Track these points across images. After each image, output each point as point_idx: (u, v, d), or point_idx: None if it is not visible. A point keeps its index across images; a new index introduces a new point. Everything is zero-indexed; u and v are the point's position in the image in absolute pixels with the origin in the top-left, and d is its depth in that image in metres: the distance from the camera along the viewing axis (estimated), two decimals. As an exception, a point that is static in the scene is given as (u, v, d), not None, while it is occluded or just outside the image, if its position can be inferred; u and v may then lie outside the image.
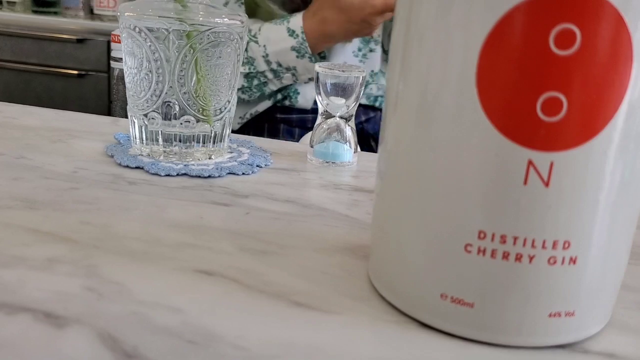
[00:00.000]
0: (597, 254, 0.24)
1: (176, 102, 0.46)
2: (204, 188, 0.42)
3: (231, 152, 0.51)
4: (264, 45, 0.79)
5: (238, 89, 0.80)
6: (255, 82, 0.81)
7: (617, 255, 0.25)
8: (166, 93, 0.46)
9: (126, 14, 0.46)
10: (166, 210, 0.37)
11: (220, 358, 0.22)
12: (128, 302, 0.26)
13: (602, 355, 0.25)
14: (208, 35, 0.46)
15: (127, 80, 0.48)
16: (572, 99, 0.22)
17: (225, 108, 0.49)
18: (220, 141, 0.50)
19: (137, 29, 0.45)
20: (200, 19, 0.46)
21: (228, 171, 0.46)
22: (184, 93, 0.46)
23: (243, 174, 0.46)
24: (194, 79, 0.46)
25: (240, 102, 0.84)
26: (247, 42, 0.79)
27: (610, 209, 0.24)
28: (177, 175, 0.45)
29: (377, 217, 0.29)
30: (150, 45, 0.45)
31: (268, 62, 0.79)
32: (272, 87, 0.82)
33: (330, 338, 0.24)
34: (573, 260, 0.24)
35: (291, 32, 0.77)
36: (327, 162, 0.51)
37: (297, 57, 0.78)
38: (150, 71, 0.46)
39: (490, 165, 0.23)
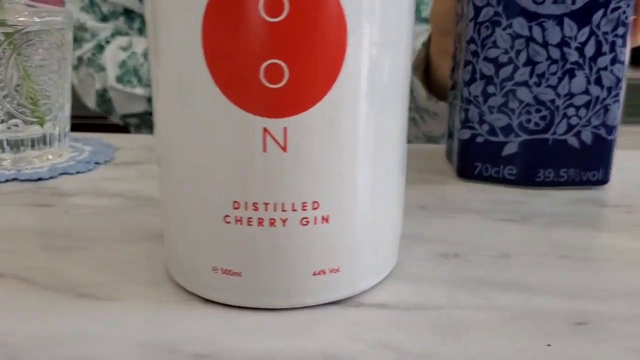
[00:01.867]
0: (350, 209, 0.25)
1: (0, 107, 0.45)
2: (31, 191, 0.41)
3: (73, 152, 0.50)
4: None
5: None
6: None
7: (379, 208, 0.26)
8: (-15, 99, 0.45)
9: None
10: (-22, 218, 0.36)
11: (-25, 358, 0.22)
12: None
13: (375, 307, 0.26)
14: (24, 34, 0.44)
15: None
16: (292, 64, 0.22)
17: (58, 108, 0.48)
18: (58, 142, 0.49)
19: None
20: (17, 18, 0.44)
21: (61, 172, 0.45)
22: (4, 96, 0.45)
23: (77, 172, 0.45)
24: (18, 80, 0.45)
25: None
26: None
27: (355, 166, 0.25)
28: (7, 181, 0.44)
29: (160, 199, 0.29)
30: (-40, 51, 0.44)
31: None
32: None
33: (103, 325, 0.25)
34: (325, 219, 0.25)
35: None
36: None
37: None
38: (-36, 78, 0.44)
39: (230, 136, 0.23)
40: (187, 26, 0.23)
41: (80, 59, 0.85)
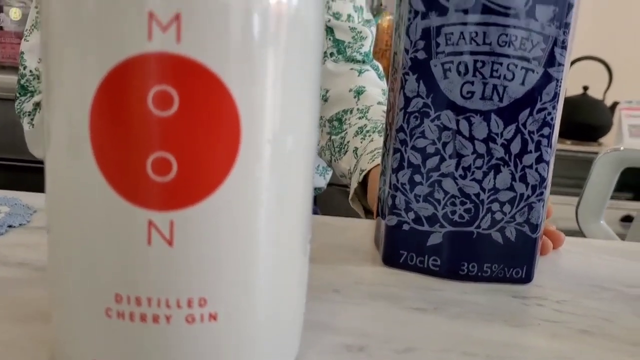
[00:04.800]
0: (241, 306, 0.24)
1: None
2: (-62, 254, 0.40)
3: (-6, 212, 0.49)
4: None
5: None
6: None
7: (274, 302, 0.25)
8: None
9: None
10: None
11: None
12: None
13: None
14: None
15: None
16: (180, 158, 0.22)
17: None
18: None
19: None
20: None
21: (-26, 234, 0.43)
22: None
23: (-10, 236, 0.44)
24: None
25: None
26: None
27: (247, 261, 0.24)
28: None
29: (47, 275, 0.27)
30: None
31: None
32: None
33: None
34: (213, 317, 0.24)
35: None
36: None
37: None
38: None
39: (114, 227, 0.23)
40: (76, 115, 0.22)
41: (37, 104, 0.86)
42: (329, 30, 0.83)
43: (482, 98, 0.38)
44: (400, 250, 0.41)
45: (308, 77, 0.25)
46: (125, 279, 0.23)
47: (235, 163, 0.22)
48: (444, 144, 0.39)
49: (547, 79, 0.37)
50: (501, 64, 0.37)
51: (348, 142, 0.72)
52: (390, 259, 0.42)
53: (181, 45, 0.21)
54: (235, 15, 0.22)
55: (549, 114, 0.38)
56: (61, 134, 0.23)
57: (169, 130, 0.21)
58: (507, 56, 0.37)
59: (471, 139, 0.38)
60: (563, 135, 2.23)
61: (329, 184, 1.06)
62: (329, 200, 1.55)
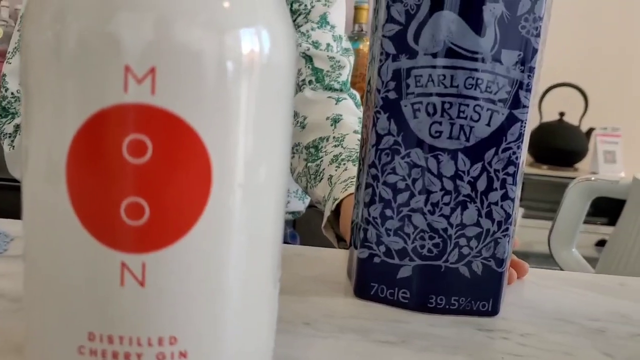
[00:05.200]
0: (210, 345, 0.25)
1: None
2: None
3: (-27, 239, 0.49)
4: None
5: None
6: None
7: (244, 340, 0.26)
8: None
9: None
10: None
11: None
12: None
13: None
14: None
15: None
16: (153, 203, 0.23)
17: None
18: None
19: None
20: None
21: (-48, 261, 0.44)
22: None
23: (-31, 264, 0.44)
24: None
25: None
26: None
27: (217, 301, 0.25)
28: None
29: (23, 305, 0.28)
30: None
31: None
32: None
33: None
34: (183, 355, 0.24)
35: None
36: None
37: None
38: None
39: (88, 268, 0.23)
40: (53, 158, 0.23)
41: (18, 126, 0.86)
42: (308, 58, 0.84)
43: (449, 137, 0.39)
44: (371, 282, 0.42)
45: (279, 122, 0.26)
46: (99, 318, 0.24)
47: (206, 207, 0.23)
48: (414, 180, 0.40)
49: (512, 120, 0.39)
50: (468, 105, 0.38)
51: (323, 169, 0.73)
52: (362, 291, 0.43)
53: (155, 97, 0.22)
54: (208, 67, 0.23)
55: (514, 153, 0.39)
56: (38, 176, 0.24)
57: (142, 176, 0.22)
58: (474, 98, 0.38)
59: (439, 176, 0.40)
60: (540, 160, 2.27)
61: (308, 206, 1.07)
62: (308, 223, 1.56)
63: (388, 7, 0.39)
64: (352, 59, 0.88)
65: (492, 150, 0.39)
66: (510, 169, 0.39)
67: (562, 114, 2.26)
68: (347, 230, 0.60)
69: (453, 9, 0.37)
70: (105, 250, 0.23)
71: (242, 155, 0.24)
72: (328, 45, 0.85)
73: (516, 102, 0.39)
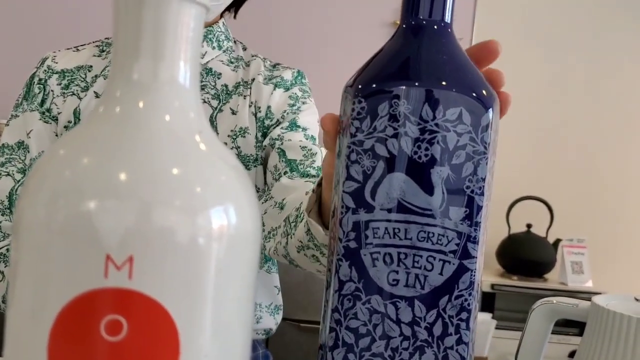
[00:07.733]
0: None
1: None
2: None
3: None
4: None
5: None
6: None
7: None
8: None
9: None
10: None
11: None
12: None
13: None
14: None
15: None
16: (126, 377, 0.25)
17: None
18: None
19: None
20: None
21: None
22: None
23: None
24: None
25: None
26: None
27: None
28: None
29: None
30: None
31: None
32: None
33: None
34: None
35: None
36: None
37: None
38: None
39: None
40: (37, 333, 0.25)
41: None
42: (281, 152, 0.86)
43: (406, 285, 0.42)
44: None
45: (244, 290, 0.29)
46: None
47: (175, 379, 0.26)
48: (375, 326, 0.42)
49: (462, 269, 0.42)
50: (421, 256, 0.42)
51: (300, 214, 0.70)
52: None
53: (132, 281, 0.25)
54: (181, 247, 0.26)
55: (466, 300, 0.42)
56: (20, 344, 0.26)
57: (117, 353, 0.25)
58: (426, 250, 0.42)
59: (398, 322, 0.42)
60: (510, 270, 2.32)
61: (282, 319, 1.07)
62: (280, 337, 1.55)
63: (347, 167, 0.43)
64: (323, 149, 0.85)
65: (446, 298, 0.42)
66: (464, 315, 0.42)
67: (529, 226, 2.33)
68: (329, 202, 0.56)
69: (404, 171, 0.42)
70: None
71: (208, 327, 0.27)
72: (300, 141, 0.87)
73: (465, 253, 0.42)
